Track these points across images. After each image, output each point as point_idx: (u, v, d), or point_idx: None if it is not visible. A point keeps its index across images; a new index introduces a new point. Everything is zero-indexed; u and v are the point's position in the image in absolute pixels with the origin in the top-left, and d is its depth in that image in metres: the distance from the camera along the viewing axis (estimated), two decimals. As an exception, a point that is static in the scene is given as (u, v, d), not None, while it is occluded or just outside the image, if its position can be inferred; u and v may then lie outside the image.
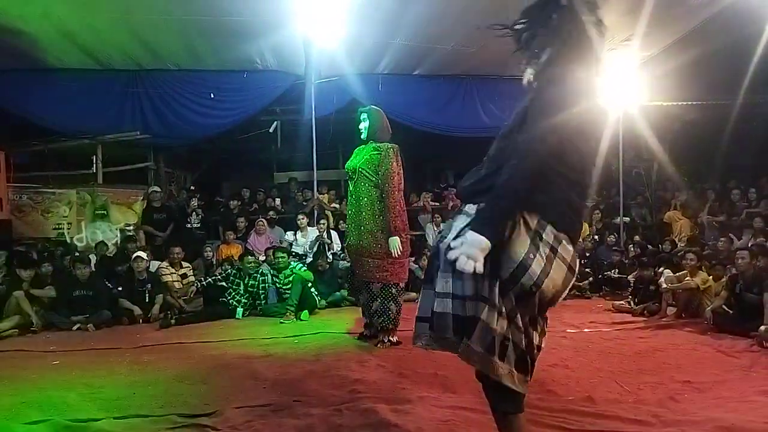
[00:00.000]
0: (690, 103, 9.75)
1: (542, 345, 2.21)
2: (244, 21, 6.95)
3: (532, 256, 1.98)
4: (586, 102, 2.07)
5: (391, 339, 5.01)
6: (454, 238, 2.00)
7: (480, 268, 1.90)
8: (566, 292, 2.17)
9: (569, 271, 2.11)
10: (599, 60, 2.22)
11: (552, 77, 2.09)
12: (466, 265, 1.89)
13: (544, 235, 2.01)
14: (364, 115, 5.11)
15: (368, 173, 4.91)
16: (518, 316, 2.06)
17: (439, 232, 2.24)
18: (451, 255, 1.93)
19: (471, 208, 2.11)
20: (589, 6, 2.16)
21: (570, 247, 2.09)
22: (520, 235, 1.99)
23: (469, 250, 1.89)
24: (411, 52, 8.21)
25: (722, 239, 8.16)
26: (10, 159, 8.00)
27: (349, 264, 6.66)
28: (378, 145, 4.99)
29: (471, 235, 1.91)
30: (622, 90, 9.07)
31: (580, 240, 9.72)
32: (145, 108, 8.68)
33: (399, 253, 4.86)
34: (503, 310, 2.02)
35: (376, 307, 4.99)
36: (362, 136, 5.12)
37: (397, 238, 4.84)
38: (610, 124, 9.16)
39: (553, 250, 2.03)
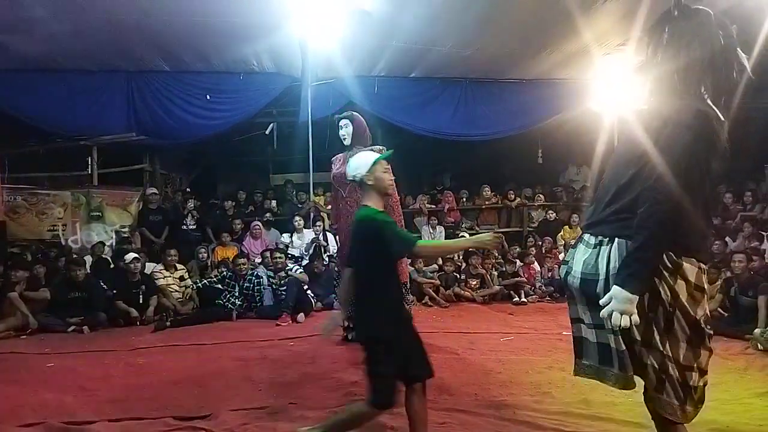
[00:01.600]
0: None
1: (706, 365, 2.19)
2: (240, 23, 6.94)
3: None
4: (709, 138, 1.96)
5: None
6: (583, 272, 2.10)
7: (636, 320, 1.93)
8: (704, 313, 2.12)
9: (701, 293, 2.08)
10: (734, 66, 2.10)
11: (681, 117, 1.96)
12: (622, 321, 1.92)
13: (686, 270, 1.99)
14: (345, 122, 5.09)
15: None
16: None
17: (564, 262, 2.28)
18: (604, 313, 1.96)
19: (590, 238, 2.15)
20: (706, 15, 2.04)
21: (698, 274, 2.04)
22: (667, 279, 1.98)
23: (620, 306, 1.92)
24: (407, 55, 8.22)
25: (717, 242, 8.19)
26: (4, 160, 7.96)
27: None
28: (371, 149, 4.99)
29: (618, 292, 1.92)
30: (617, 94, 9.11)
31: (572, 243, 9.78)
32: (140, 109, 8.65)
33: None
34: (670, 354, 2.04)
35: None
36: (345, 143, 5.09)
37: None
38: (608, 127, 9.23)
39: (695, 285, 2.02)
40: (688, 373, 2.05)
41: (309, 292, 7.15)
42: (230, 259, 7.77)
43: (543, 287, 8.38)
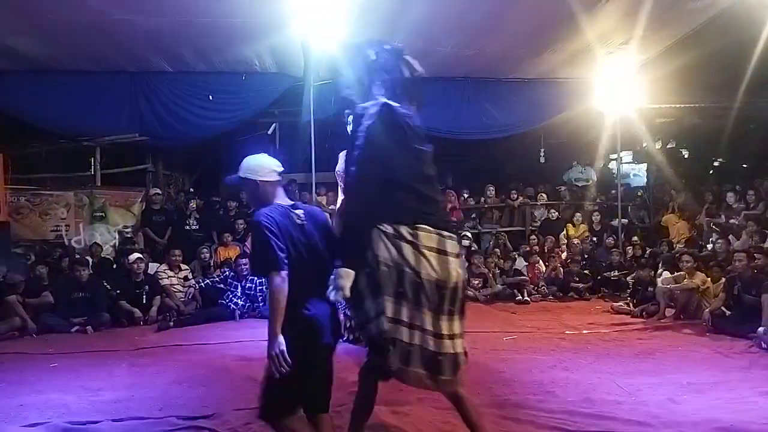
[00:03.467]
0: (688, 105, 9.77)
1: (456, 333, 2.39)
2: (242, 23, 6.95)
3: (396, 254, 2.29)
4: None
5: None
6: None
7: (347, 293, 2.24)
8: (457, 277, 2.37)
9: (441, 255, 2.35)
10: (401, 66, 2.58)
11: (371, 111, 2.41)
12: (337, 296, 2.24)
13: (403, 234, 2.31)
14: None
15: None
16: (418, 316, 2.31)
17: None
18: (329, 292, 2.26)
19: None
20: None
21: (434, 236, 2.35)
22: (380, 243, 2.29)
23: (338, 282, 2.24)
24: (409, 54, 8.20)
25: (719, 241, 8.17)
26: (8, 161, 7.98)
27: None
28: None
29: (336, 270, 2.27)
30: (620, 93, 9.10)
31: (578, 241, 9.76)
32: (143, 110, 8.66)
33: None
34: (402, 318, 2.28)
35: None
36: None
37: None
38: (610, 126, 9.22)
39: (413, 243, 2.31)
40: (439, 340, 2.29)
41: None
42: (233, 260, 7.76)
43: (546, 287, 8.37)
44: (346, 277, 2.22)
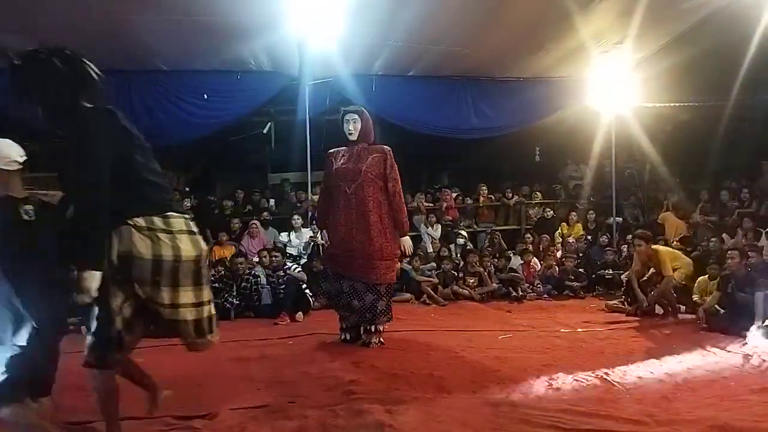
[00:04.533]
0: (682, 104, 9.81)
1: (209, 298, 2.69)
2: (237, 21, 6.93)
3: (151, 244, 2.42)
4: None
5: (382, 340, 5.05)
6: None
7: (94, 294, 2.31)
8: (204, 249, 2.66)
9: (191, 235, 2.59)
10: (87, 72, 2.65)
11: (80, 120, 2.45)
12: (82, 298, 2.31)
13: (157, 224, 2.46)
14: (354, 116, 5.02)
15: (374, 176, 4.89)
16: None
17: None
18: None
19: None
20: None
21: (180, 220, 2.56)
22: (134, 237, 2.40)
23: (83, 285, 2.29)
24: (405, 53, 8.21)
25: (713, 239, 8.22)
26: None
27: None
28: (377, 147, 5.01)
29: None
30: (614, 92, 9.13)
31: (573, 240, 9.82)
32: (137, 109, 8.61)
33: (411, 251, 5.25)
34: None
35: (382, 307, 4.95)
36: (351, 138, 5.04)
37: (408, 237, 5.06)
38: (605, 124, 9.25)
39: (168, 231, 2.48)
40: (204, 307, 2.63)
41: (307, 291, 7.15)
42: (228, 259, 7.75)
43: (541, 285, 8.39)
44: (91, 278, 2.29)
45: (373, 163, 4.90)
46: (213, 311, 2.74)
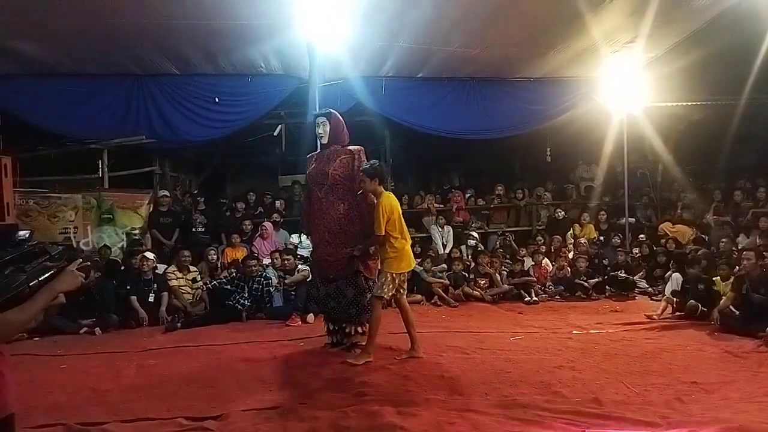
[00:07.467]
0: (694, 103, 9.72)
1: None
2: (248, 25, 6.97)
3: None
4: None
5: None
6: None
7: None
8: None
9: None
10: None
11: None
12: None
13: None
14: (322, 119, 5.04)
15: (342, 177, 4.87)
16: None
17: None
18: None
19: None
20: None
21: None
22: None
23: None
24: (414, 55, 8.22)
25: (723, 240, 8.12)
26: (16, 164, 8.03)
27: None
28: (347, 148, 4.99)
29: None
30: (626, 91, 9.07)
31: (585, 241, 9.73)
32: (150, 112, 8.70)
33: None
34: None
35: (365, 303, 4.91)
36: (322, 141, 5.06)
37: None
38: (617, 124, 9.19)
39: None
40: None
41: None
42: (240, 261, 7.79)
43: (552, 286, 8.34)
44: None
45: (340, 164, 4.89)
46: None
